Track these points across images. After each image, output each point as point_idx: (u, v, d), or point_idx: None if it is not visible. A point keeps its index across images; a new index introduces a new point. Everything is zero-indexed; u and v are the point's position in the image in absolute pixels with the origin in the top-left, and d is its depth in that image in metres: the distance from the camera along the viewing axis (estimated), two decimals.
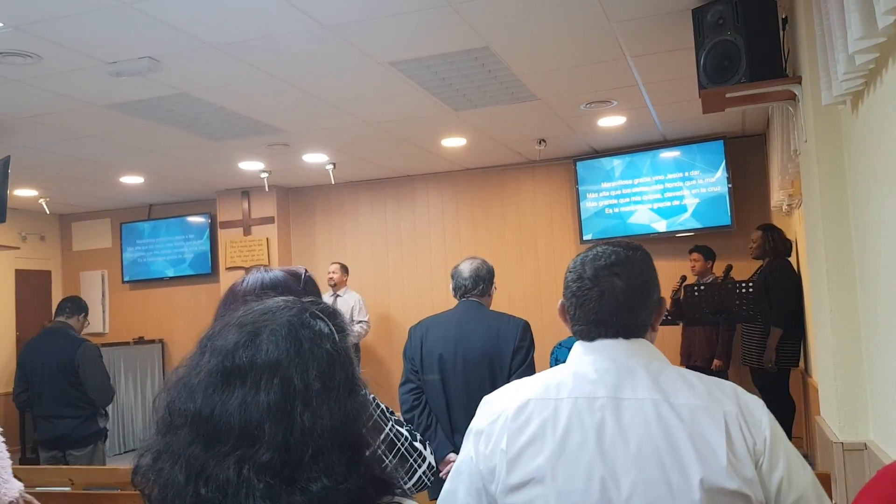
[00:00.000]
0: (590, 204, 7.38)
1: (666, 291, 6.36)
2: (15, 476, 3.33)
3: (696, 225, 6.96)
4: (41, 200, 7.91)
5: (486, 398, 1.51)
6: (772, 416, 1.39)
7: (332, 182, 7.52)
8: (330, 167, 7.15)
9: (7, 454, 2.98)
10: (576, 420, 1.37)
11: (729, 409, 1.35)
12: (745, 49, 3.27)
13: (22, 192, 7.47)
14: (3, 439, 2.96)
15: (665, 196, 7.09)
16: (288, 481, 0.88)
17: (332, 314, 1.05)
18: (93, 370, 4.82)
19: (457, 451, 3.08)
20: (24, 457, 7.66)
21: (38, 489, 3.18)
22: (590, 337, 1.46)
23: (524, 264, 7.66)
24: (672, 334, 6.49)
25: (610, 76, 4.88)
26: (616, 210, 7.28)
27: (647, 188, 7.15)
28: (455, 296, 3.52)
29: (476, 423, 1.47)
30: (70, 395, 4.75)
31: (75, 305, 5.07)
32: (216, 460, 0.89)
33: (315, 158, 6.92)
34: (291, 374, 0.92)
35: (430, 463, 1.83)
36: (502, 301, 7.11)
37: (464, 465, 1.47)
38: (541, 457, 1.36)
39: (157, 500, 0.93)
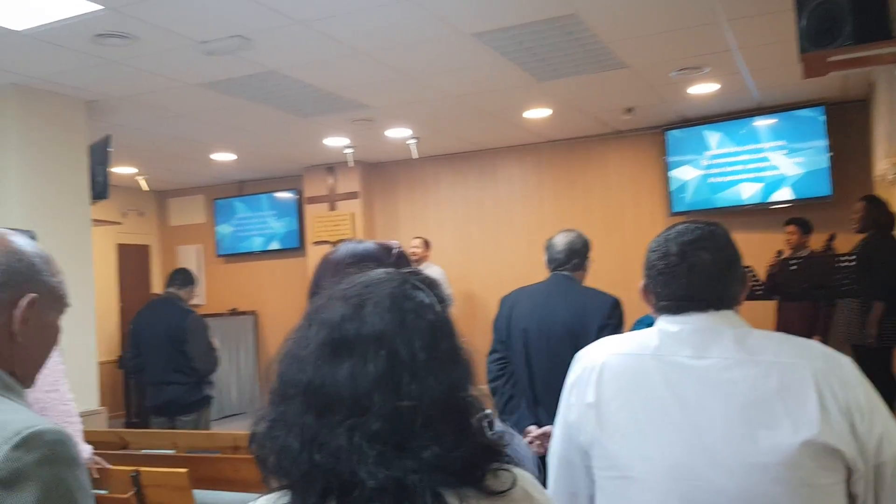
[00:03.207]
0: (680, 175, 7.17)
1: (760, 266, 6.14)
2: (118, 439, 3.51)
3: (793, 196, 6.67)
4: (139, 178, 8.25)
5: (577, 354, 1.56)
6: (862, 374, 1.37)
7: (415, 156, 7.55)
8: (413, 142, 7.18)
9: (79, 419, 3.09)
10: (660, 377, 1.39)
11: (818, 366, 1.34)
12: (850, 10, 3.08)
13: (121, 170, 7.80)
14: (74, 405, 3.07)
15: (760, 166, 6.81)
16: (399, 448, 0.90)
17: (432, 284, 1.05)
18: (198, 340, 4.97)
19: (538, 424, 3.10)
20: (129, 421, 8.07)
21: (144, 451, 3.31)
22: (679, 311, 1.46)
23: (610, 239, 7.52)
24: (767, 310, 6.26)
25: (702, 41, 4.70)
26: (708, 181, 7.05)
27: (742, 158, 6.89)
28: (548, 268, 3.46)
29: (569, 377, 1.53)
30: (178, 362, 4.92)
31: (185, 277, 5.20)
32: (328, 429, 0.91)
33: (398, 133, 6.96)
34: (397, 346, 0.94)
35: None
36: (586, 281, 7.03)
37: (559, 417, 1.53)
38: (625, 411, 1.40)
39: (273, 466, 0.95)
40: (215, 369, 5.14)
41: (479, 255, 8.14)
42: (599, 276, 7.24)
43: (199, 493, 3.27)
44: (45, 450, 1.04)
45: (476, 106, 6.10)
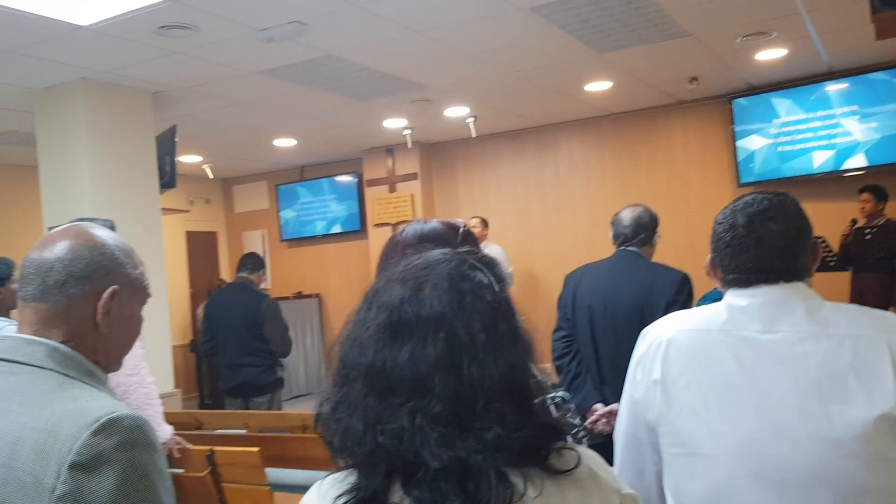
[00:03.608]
0: (748, 144, 6.95)
1: (833, 236, 5.92)
2: (193, 420, 3.61)
3: (867, 163, 6.39)
4: (205, 166, 8.45)
5: (643, 330, 1.54)
6: None
7: (473, 135, 7.51)
8: (471, 120, 7.15)
9: (159, 401, 3.17)
10: (729, 352, 1.37)
11: (894, 337, 1.30)
12: None
13: (188, 159, 7.99)
14: (155, 388, 3.15)
15: (832, 133, 6.54)
16: (461, 429, 0.89)
17: (490, 263, 1.05)
18: (275, 323, 5.08)
19: (605, 402, 3.06)
20: (202, 403, 8.33)
21: (218, 431, 3.40)
22: (748, 284, 1.43)
23: (676, 212, 7.36)
24: (840, 282, 6.05)
25: (769, 5, 4.53)
26: (777, 150, 6.81)
27: (812, 125, 6.63)
28: (614, 244, 3.39)
29: (635, 353, 1.51)
30: (252, 346, 5.03)
31: (256, 262, 5.27)
32: (390, 411, 0.91)
33: (456, 112, 6.93)
34: (456, 328, 0.93)
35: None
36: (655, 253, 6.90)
37: (625, 394, 1.51)
38: (693, 388, 1.38)
39: (338, 447, 0.97)
40: (290, 350, 5.25)
41: (540, 232, 8.07)
42: (665, 250, 7.11)
43: (270, 472, 3.35)
44: (124, 435, 1.07)
45: (535, 81, 6.03)
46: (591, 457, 0.99)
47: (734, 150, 7.01)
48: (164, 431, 3.15)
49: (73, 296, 1.21)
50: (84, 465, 1.03)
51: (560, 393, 1.79)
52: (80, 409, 1.09)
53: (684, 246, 7.22)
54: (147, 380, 3.05)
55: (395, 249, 1.57)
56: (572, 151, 7.96)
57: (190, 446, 3.23)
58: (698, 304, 3.37)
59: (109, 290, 1.23)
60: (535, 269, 7.96)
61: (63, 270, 1.20)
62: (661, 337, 1.46)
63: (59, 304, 1.20)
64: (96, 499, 1.03)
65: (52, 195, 5.19)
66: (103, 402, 1.13)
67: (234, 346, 5.06)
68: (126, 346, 1.32)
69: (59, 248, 1.22)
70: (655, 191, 7.45)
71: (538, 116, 7.58)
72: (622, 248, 3.32)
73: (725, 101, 7.04)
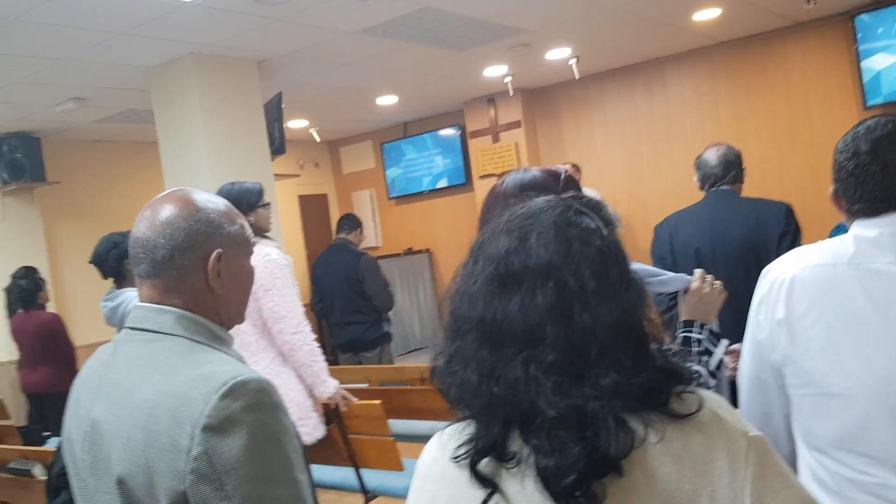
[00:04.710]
0: (873, 64, 6.43)
1: None
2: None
3: None
4: (311, 130, 8.64)
5: (764, 269, 1.47)
6: None
7: (577, 77, 7.31)
8: (573, 62, 6.95)
9: (322, 357, 3.29)
10: (858, 287, 1.30)
11: None
12: None
13: (295, 124, 8.20)
14: (317, 345, 3.27)
15: None
16: (576, 377, 0.88)
17: (597, 207, 1.02)
18: (374, 279, 5.29)
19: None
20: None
21: (342, 386, 3.51)
22: (875, 213, 1.34)
23: (797, 142, 6.95)
24: None
25: None
26: None
27: None
28: (702, 187, 3.29)
29: (757, 293, 1.45)
30: (357, 303, 5.26)
31: (351, 222, 5.55)
32: (504, 362, 0.91)
33: (557, 55, 6.75)
34: (564, 276, 0.92)
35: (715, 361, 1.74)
36: (772, 185, 6.56)
37: (748, 336, 1.46)
38: (820, 326, 1.31)
39: (455, 398, 0.98)
40: (392, 305, 5.43)
41: (651, 172, 7.82)
42: (787, 181, 6.79)
43: (393, 423, 3.46)
44: (250, 397, 1.13)
45: (639, 14, 5.77)
46: (714, 400, 0.95)
47: (858, 71, 6.50)
48: (330, 386, 3.24)
49: (182, 267, 1.26)
50: (215, 428, 1.09)
51: (702, 337, 1.69)
52: (209, 373, 1.15)
53: (807, 176, 6.81)
54: (310, 337, 3.18)
55: (496, 200, 1.56)
56: (682, 85, 7.62)
57: (355, 400, 3.32)
58: (830, 237, 3.20)
59: (215, 254, 1.27)
60: (648, 209, 7.73)
61: (166, 245, 1.25)
62: (784, 274, 1.39)
63: (172, 277, 1.26)
64: (228, 458, 1.09)
65: (172, 168, 5.46)
66: (230, 366, 1.19)
67: (341, 304, 5.28)
68: (244, 300, 1.37)
69: (159, 224, 1.26)
70: (774, 120, 7.06)
71: (644, 51, 7.28)
72: (714, 188, 3.22)
73: (847, 19, 6.52)
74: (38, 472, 3.30)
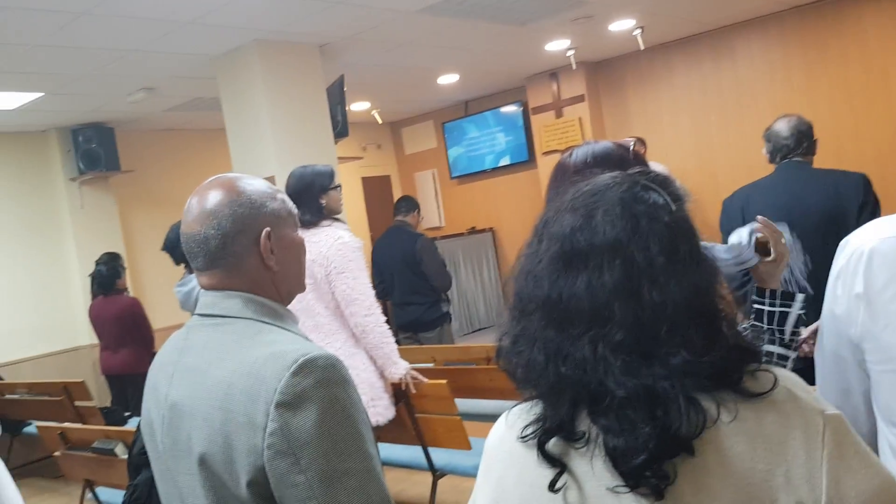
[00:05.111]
0: None
1: None
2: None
3: None
4: (373, 112, 8.69)
5: (841, 241, 1.41)
6: None
7: (641, 48, 7.14)
8: (637, 32, 6.78)
9: (393, 338, 3.31)
10: None
11: None
12: None
13: (357, 107, 8.25)
14: (388, 327, 3.30)
15: None
16: (645, 356, 0.87)
17: (665, 182, 0.99)
18: (431, 259, 5.36)
19: (805, 325, 2.87)
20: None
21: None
22: None
23: (873, 107, 6.64)
24: None
25: None
26: None
27: None
28: (772, 160, 3.18)
29: (834, 266, 1.40)
30: (415, 284, 5.34)
31: (409, 204, 5.63)
32: (570, 341, 0.90)
33: (621, 26, 6.60)
34: (632, 253, 0.90)
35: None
36: (848, 155, 6.30)
37: (825, 310, 1.42)
38: None
39: (521, 379, 0.97)
40: (450, 285, 5.49)
41: (721, 145, 7.60)
42: (864, 151, 6.51)
43: (459, 402, 3.47)
44: (320, 373, 1.16)
45: None
46: (789, 378, 0.92)
47: None
48: (401, 367, 3.27)
49: (236, 253, 1.29)
50: (288, 404, 1.13)
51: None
52: (280, 352, 1.18)
53: (887, 142, 6.52)
54: (381, 319, 3.22)
55: (564, 174, 1.52)
56: (752, 53, 7.35)
57: (426, 381, 3.35)
58: None
59: (264, 233, 1.30)
60: (716, 184, 7.52)
61: (217, 235, 1.28)
62: (862, 247, 1.33)
63: (230, 263, 1.29)
64: (302, 433, 1.12)
65: (239, 154, 5.57)
66: (299, 344, 1.22)
67: (401, 285, 5.35)
68: (300, 271, 1.40)
69: (205, 216, 1.29)
70: (849, 87, 6.76)
71: (712, 19, 7.05)
72: (786, 160, 3.11)
73: None
74: (120, 451, 3.43)
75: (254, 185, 1.34)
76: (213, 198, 1.30)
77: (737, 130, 7.46)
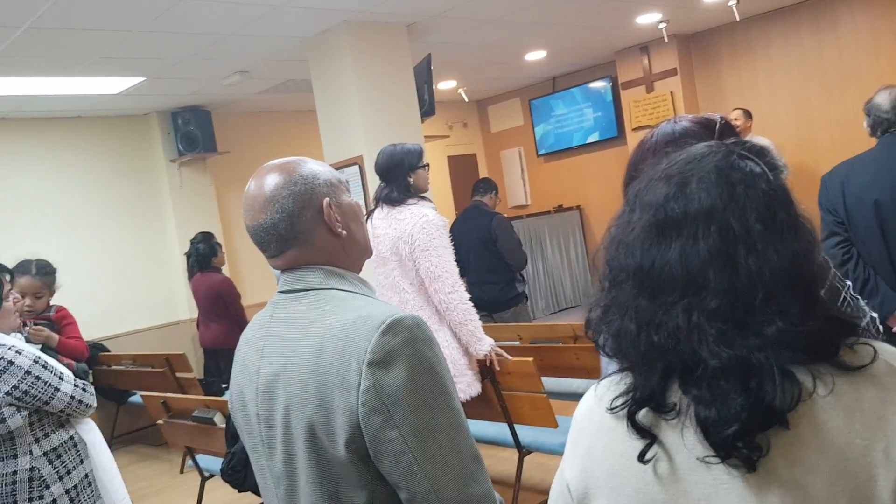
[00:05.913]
0: None
1: None
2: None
3: None
4: (460, 90, 8.69)
5: None
6: None
7: (737, 19, 6.87)
8: (733, 2, 6.53)
9: (476, 315, 3.32)
10: None
11: None
12: None
13: (443, 85, 8.27)
14: (471, 305, 3.30)
15: None
16: (740, 325, 0.85)
17: (761, 152, 0.98)
18: (506, 238, 5.40)
19: None
20: None
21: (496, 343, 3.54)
22: None
23: None
24: None
25: None
26: None
27: None
28: (873, 133, 3.03)
29: None
30: (491, 263, 5.39)
31: (486, 185, 5.72)
32: (663, 310, 0.90)
33: None
34: (728, 220, 0.89)
35: (871, 316, 1.64)
36: None
37: None
38: None
39: (611, 349, 0.97)
40: (525, 263, 5.52)
41: (821, 119, 7.25)
42: None
43: (545, 380, 3.47)
44: (407, 332, 1.20)
45: None
46: (890, 351, 0.89)
47: None
48: (485, 344, 3.30)
49: (305, 230, 1.34)
50: (379, 362, 1.18)
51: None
52: (366, 315, 1.23)
53: None
54: (465, 296, 3.26)
55: (644, 156, 1.51)
56: (855, 23, 6.97)
57: (510, 358, 3.36)
58: None
59: (325, 203, 1.35)
60: (817, 159, 7.20)
61: (283, 219, 1.33)
62: None
63: (301, 241, 1.35)
64: (393, 389, 1.17)
65: (329, 134, 5.69)
66: (383, 307, 1.26)
67: (477, 264, 5.40)
68: (364, 234, 1.44)
69: (265, 203, 1.34)
70: None
71: None
72: (888, 133, 2.98)
73: None
74: (219, 420, 3.58)
75: (297, 162, 1.40)
76: (268, 185, 1.35)
77: (839, 104, 7.10)
